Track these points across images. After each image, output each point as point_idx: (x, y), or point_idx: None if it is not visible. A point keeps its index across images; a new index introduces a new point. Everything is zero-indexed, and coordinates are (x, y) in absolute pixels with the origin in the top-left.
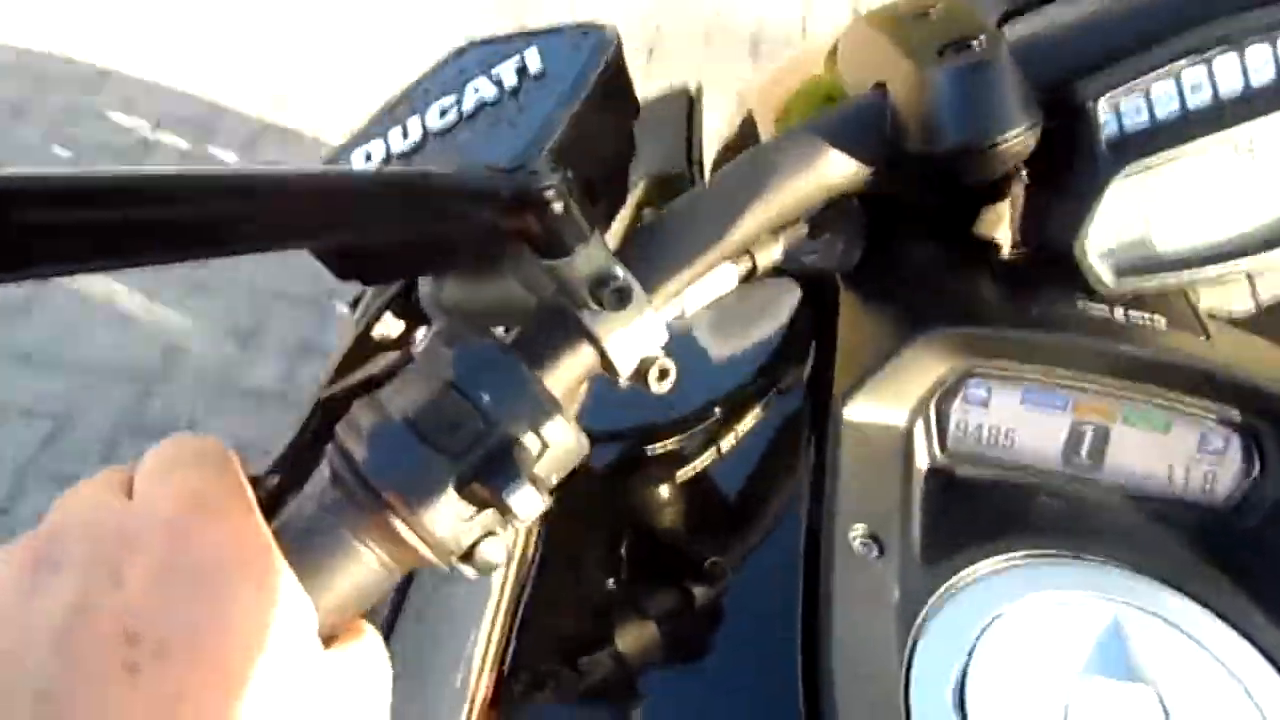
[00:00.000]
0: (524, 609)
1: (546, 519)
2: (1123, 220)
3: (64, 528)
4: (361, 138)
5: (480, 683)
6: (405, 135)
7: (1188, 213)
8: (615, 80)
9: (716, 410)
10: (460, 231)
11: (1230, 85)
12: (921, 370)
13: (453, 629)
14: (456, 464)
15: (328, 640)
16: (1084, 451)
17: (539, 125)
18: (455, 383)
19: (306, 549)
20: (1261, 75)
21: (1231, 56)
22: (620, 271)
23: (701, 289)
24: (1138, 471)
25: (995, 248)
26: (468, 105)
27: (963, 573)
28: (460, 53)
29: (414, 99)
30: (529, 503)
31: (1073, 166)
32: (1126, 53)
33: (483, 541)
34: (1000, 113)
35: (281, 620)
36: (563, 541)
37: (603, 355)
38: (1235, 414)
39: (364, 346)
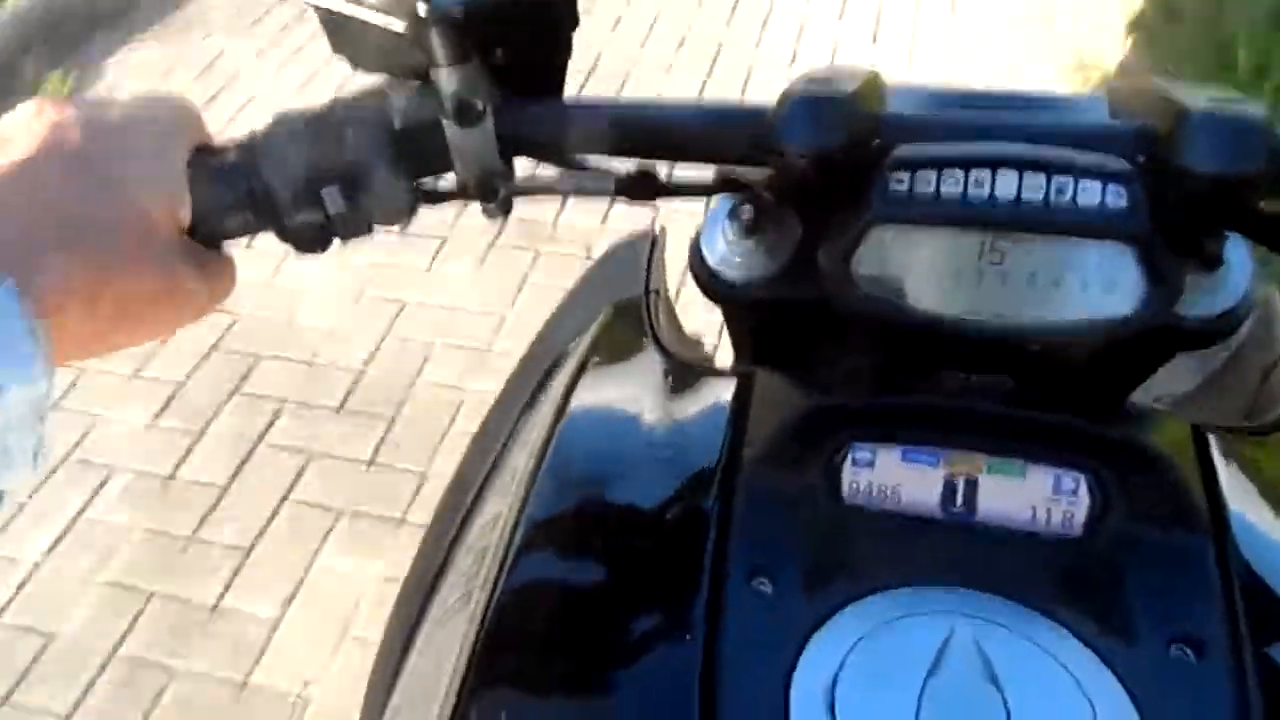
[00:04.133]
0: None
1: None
2: (884, 265)
3: (90, 98)
4: None
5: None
6: None
7: (936, 283)
8: None
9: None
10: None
11: (1004, 195)
12: (813, 438)
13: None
14: (316, 161)
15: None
16: (958, 500)
17: None
18: (341, 116)
19: (208, 168)
20: (1031, 197)
21: (1011, 174)
22: (478, 102)
23: (577, 181)
24: (1005, 514)
25: (871, 321)
26: None
27: (847, 600)
28: None
29: None
30: (336, 203)
31: (857, 205)
32: (944, 138)
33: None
34: (815, 133)
35: (170, 193)
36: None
37: (449, 154)
38: (1080, 460)
39: None
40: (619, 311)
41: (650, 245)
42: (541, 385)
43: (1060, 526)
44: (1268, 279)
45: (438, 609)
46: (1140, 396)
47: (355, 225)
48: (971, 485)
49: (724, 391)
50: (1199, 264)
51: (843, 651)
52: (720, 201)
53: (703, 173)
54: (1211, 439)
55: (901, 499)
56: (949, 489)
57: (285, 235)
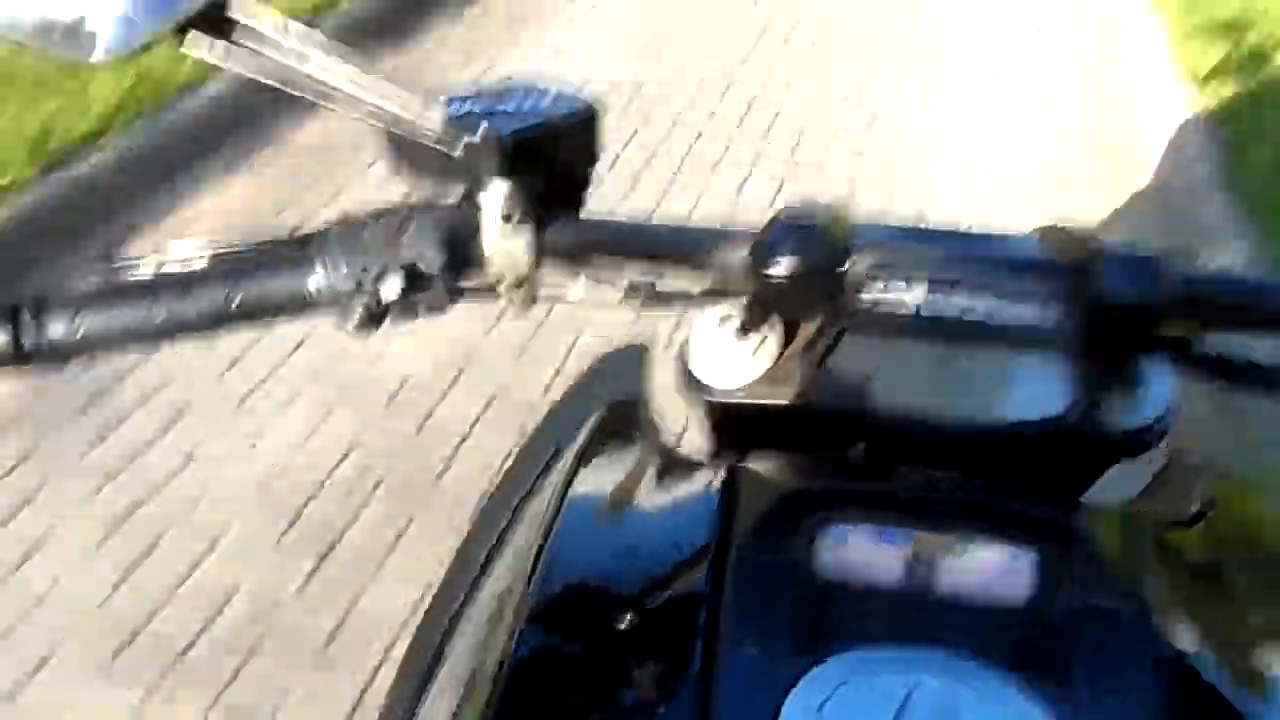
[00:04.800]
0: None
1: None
2: (852, 370)
3: None
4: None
5: None
6: (465, 103)
7: (897, 385)
8: (584, 130)
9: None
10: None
11: (954, 312)
12: (794, 520)
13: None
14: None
15: None
16: (921, 576)
17: (516, 125)
18: (400, 220)
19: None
20: (976, 314)
21: (961, 294)
22: (517, 214)
23: (589, 287)
24: (967, 588)
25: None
26: (500, 102)
27: (825, 656)
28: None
29: (489, 88)
30: (391, 286)
31: (830, 318)
32: (904, 263)
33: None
34: (797, 255)
35: None
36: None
37: (481, 254)
38: (1031, 542)
39: None
40: (612, 411)
41: (641, 354)
42: (539, 478)
43: (1014, 601)
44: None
45: (437, 693)
46: (1096, 498)
47: (403, 312)
48: (932, 563)
49: (714, 482)
50: (1124, 381)
51: (822, 697)
52: (705, 312)
53: (696, 286)
54: (1140, 529)
55: (874, 574)
56: (916, 566)
57: (341, 316)
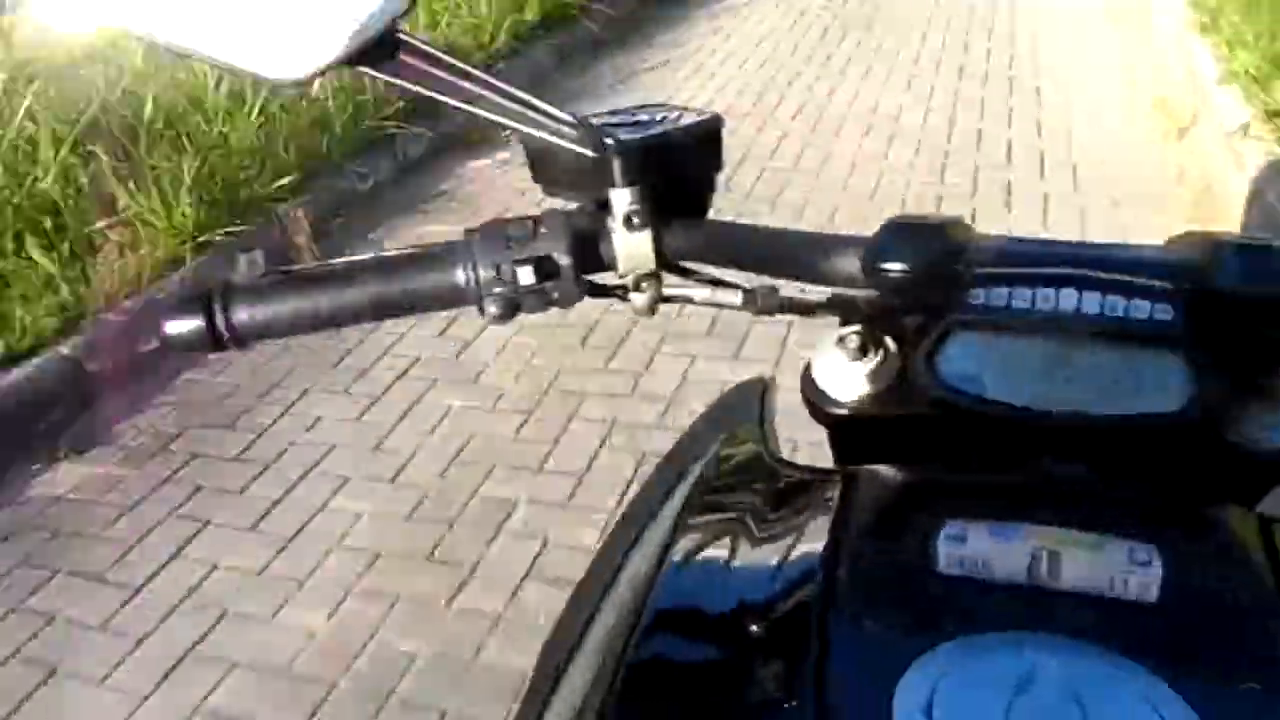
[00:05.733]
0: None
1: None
2: (965, 365)
3: None
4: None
5: None
6: (599, 119)
7: (1011, 380)
8: (707, 141)
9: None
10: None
11: (1066, 309)
12: (910, 519)
13: None
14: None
15: None
16: (1043, 570)
17: (641, 136)
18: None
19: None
20: (1089, 310)
21: (1072, 292)
22: (642, 215)
23: (712, 290)
24: (1086, 581)
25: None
26: (629, 118)
27: (940, 641)
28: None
29: (621, 108)
30: (526, 274)
31: (942, 315)
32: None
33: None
34: (909, 252)
35: None
36: None
37: (609, 254)
38: (1152, 534)
39: None
40: (734, 438)
41: (762, 388)
42: (667, 498)
43: (1137, 592)
44: None
45: (568, 693)
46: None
47: (536, 302)
48: (1055, 556)
49: (833, 488)
50: (1262, 396)
51: (935, 680)
52: (826, 333)
53: (814, 289)
54: (1267, 526)
55: (992, 570)
56: (1035, 560)
57: (481, 305)
